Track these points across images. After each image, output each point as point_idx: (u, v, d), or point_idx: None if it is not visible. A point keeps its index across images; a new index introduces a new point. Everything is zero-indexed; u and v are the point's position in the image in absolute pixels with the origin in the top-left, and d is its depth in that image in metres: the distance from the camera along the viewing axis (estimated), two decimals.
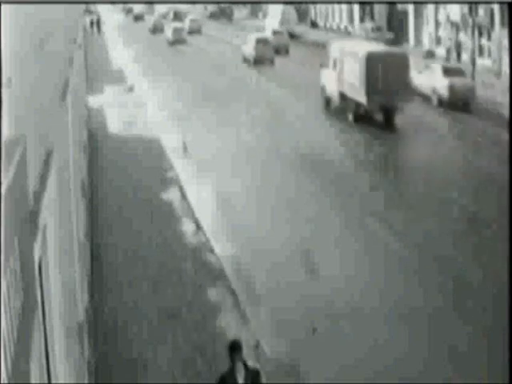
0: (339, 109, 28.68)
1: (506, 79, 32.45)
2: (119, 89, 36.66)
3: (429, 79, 31.99)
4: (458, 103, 30.05)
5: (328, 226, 17.06)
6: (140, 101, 32.95)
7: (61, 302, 6.79)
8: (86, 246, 13.81)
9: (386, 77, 26.21)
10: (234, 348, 8.24)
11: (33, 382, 4.19)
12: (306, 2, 71.96)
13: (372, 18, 59.54)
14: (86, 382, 9.68)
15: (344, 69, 27.95)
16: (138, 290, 13.66)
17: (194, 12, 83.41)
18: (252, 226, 17.31)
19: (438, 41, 47.37)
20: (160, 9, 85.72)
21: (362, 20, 61.42)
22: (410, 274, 14.52)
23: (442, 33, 46.74)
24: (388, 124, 26.90)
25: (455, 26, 44.18)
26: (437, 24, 47.59)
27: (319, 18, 72.02)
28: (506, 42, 36.86)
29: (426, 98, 31.38)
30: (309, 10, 73.50)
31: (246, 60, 43.98)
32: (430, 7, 48.52)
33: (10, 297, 3.67)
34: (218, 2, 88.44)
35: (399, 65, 26.76)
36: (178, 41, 54.39)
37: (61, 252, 7.32)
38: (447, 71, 31.41)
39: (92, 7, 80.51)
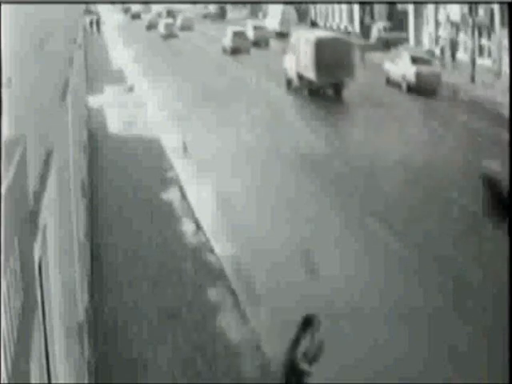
0: (298, 87, 33.99)
1: (506, 79, 32.46)
2: (119, 89, 36.66)
3: (399, 67, 35.12)
4: (425, 89, 32.71)
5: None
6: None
7: (61, 302, 6.79)
8: (86, 246, 13.81)
9: (332, 58, 31.52)
10: (307, 323, 8.78)
11: (33, 382, 4.19)
12: (306, 2, 71.97)
13: (372, 17, 59.55)
14: (86, 382, 9.68)
15: (300, 53, 33.38)
16: (138, 290, 13.66)
17: (193, 11, 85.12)
18: (251, 224, 17.32)
19: (438, 41, 47.36)
20: (157, 8, 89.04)
21: (361, 20, 61.44)
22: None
23: (441, 32, 46.73)
24: (337, 97, 32.77)
25: (455, 26, 44.18)
26: (437, 24, 47.58)
27: (319, 18, 72.03)
28: (505, 42, 36.85)
29: (396, 84, 34.87)
30: (309, 10, 73.50)
31: (225, 50, 50.06)
32: (430, 7, 48.50)
33: (10, 297, 3.67)
34: (218, 2, 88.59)
35: (343, 48, 32.43)
36: (169, 35, 59.67)
37: (61, 252, 7.32)
38: (415, 60, 34.35)
39: (92, 7, 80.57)
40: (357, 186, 19.72)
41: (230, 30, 50.05)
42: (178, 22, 68.06)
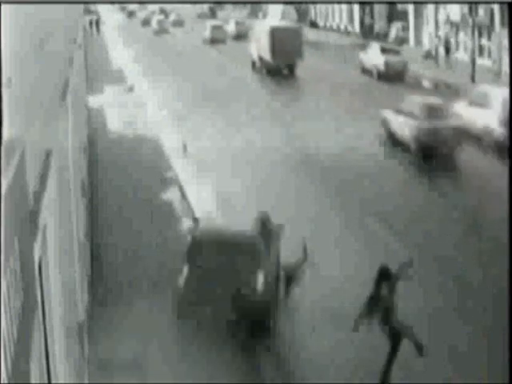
0: (259, 67, 41.45)
1: (506, 79, 32.46)
2: (119, 88, 36.66)
3: (370, 57, 39.78)
4: (393, 76, 37.05)
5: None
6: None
7: (61, 302, 6.79)
8: (86, 246, 13.81)
9: (284, 43, 39.11)
10: (383, 274, 10.21)
11: (33, 381, 4.20)
12: (306, 2, 71.97)
13: (372, 17, 59.56)
14: (86, 382, 9.68)
15: (261, 40, 40.88)
16: (138, 289, 13.67)
17: (192, 11, 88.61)
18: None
19: (439, 40, 47.36)
20: (152, 7, 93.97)
21: (361, 20, 61.45)
22: None
23: (441, 32, 46.76)
24: (290, 74, 40.07)
25: (455, 26, 44.19)
26: (437, 24, 47.58)
27: (319, 18, 72.04)
28: (505, 42, 36.86)
29: (368, 72, 39.42)
30: (309, 10, 73.49)
31: (205, 41, 58.47)
32: (430, 7, 48.51)
33: (10, 297, 3.67)
34: (218, 2, 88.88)
35: (294, 35, 40.19)
36: (161, 30, 67.19)
37: (61, 252, 7.32)
38: (384, 50, 39.28)
39: (92, 7, 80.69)
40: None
41: (209, 24, 59.71)
42: (170, 19, 76.24)
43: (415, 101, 23.89)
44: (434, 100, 25.06)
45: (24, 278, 4.18)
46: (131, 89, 36.80)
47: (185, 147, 24.16)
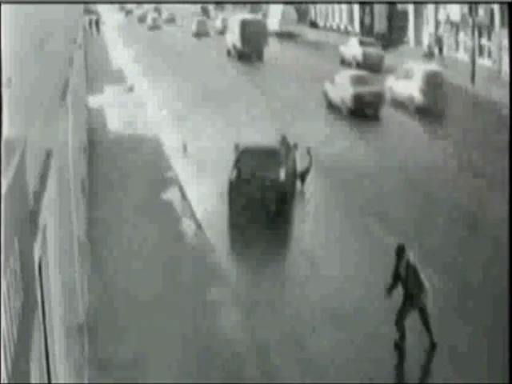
0: (233, 54, 48.17)
1: (506, 79, 32.46)
2: (119, 88, 36.66)
3: (349, 49, 44.15)
4: (370, 66, 39.84)
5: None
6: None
7: (61, 302, 6.79)
8: (86, 246, 13.81)
9: (252, 32, 47.05)
10: (400, 250, 11.50)
11: (33, 381, 4.20)
12: (306, 2, 71.93)
13: (372, 18, 59.54)
14: (86, 382, 9.68)
15: (234, 31, 48.54)
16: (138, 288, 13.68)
17: (189, 10, 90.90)
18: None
19: (438, 41, 47.35)
20: (148, 6, 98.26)
21: (361, 20, 61.43)
22: None
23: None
24: (258, 59, 46.51)
25: (455, 26, 44.19)
26: (437, 24, 47.57)
27: (319, 18, 72.01)
28: (505, 42, 36.85)
29: (348, 63, 43.16)
30: (309, 10, 73.46)
31: (192, 34, 64.89)
32: (430, 7, 48.49)
33: (10, 297, 3.67)
34: (218, 2, 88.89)
35: (260, 26, 48.81)
36: (155, 27, 74.39)
37: (61, 252, 7.32)
38: (362, 43, 43.78)
39: (92, 7, 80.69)
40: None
41: (195, 20, 67.73)
42: (163, 16, 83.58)
43: (345, 73, 30.79)
44: (359, 72, 32.30)
45: (24, 278, 4.18)
46: (131, 89, 36.79)
47: (185, 147, 24.17)
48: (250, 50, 46.93)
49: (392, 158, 22.94)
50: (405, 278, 11.53)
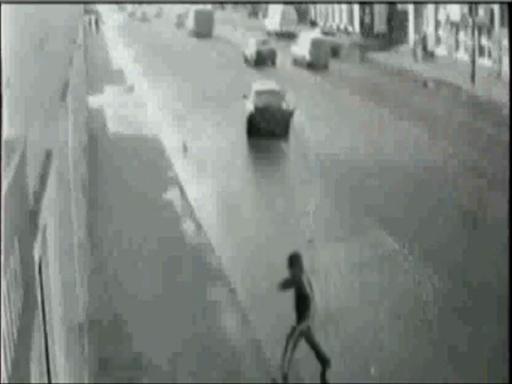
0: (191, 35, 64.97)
1: (506, 79, 32.46)
2: (119, 88, 36.68)
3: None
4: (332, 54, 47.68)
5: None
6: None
7: (61, 302, 6.79)
8: (86, 245, 13.81)
9: (202, 19, 65.40)
10: (293, 260, 10.74)
11: (33, 381, 4.19)
12: (306, 2, 71.91)
13: (372, 18, 59.53)
14: (86, 382, 9.68)
15: (192, 20, 66.31)
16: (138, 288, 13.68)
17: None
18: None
19: (438, 41, 47.38)
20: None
21: (361, 20, 61.42)
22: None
23: (441, 32, 46.79)
24: (207, 36, 63.03)
25: (455, 26, 44.18)
26: (437, 24, 47.56)
27: (319, 18, 71.99)
28: (506, 42, 36.84)
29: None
30: (309, 10, 73.44)
31: (178, 26, 77.54)
32: (430, 7, 48.47)
33: (10, 297, 3.67)
34: (218, 2, 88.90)
35: (208, 16, 66.63)
36: (144, 19, 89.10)
37: (61, 252, 7.32)
38: (324, 33, 52.09)
39: (92, 7, 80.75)
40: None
41: (177, 14, 79.45)
42: (153, 11, 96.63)
43: (252, 40, 47.21)
44: (262, 37, 51.14)
45: (24, 278, 4.18)
46: (131, 88, 36.79)
47: (185, 147, 24.16)
48: (200, 31, 64.53)
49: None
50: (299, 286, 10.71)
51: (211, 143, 25.43)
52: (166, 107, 32.43)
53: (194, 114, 30.44)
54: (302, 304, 10.71)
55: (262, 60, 45.18)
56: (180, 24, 75.71)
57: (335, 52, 48.49)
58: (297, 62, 45.83)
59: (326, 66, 43.95)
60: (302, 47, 45.42)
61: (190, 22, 67.06)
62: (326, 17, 70.43)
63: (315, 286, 13.82)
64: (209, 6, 72.52)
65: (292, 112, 26.22)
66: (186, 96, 34.90)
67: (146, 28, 78.03)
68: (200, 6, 68.60)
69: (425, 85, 37.93)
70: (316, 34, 49.69)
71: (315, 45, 44.40)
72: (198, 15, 65.40)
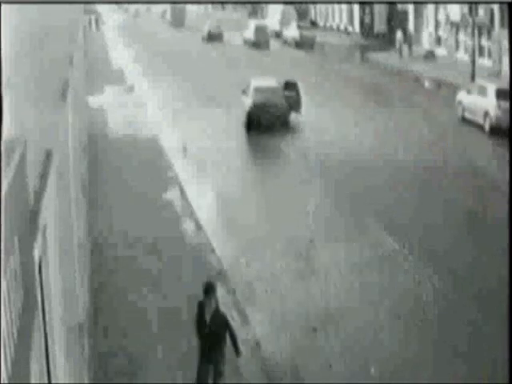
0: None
1: (506, 79, 32.44)
2: (119, 88, 36.69)
3: (289, 32, 59.64)
4: (306, 45, 55.98)
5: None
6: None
7: (61, 302, 6.79)
8: (86, 246, 13.81)
9: (176, 13, 79.15)
10: (208, 290, 9.50)
11: (33, 382, 4.19)
12: (306, 2, 71.94)
13: (372, 18, 59.52)
14: (86, 382, 9.68)
15: (171, 13, 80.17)
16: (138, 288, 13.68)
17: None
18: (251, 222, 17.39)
19: (438, 41, 47.37)
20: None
21: (361, 20, 61.41)
22: None
23: (441, 32, 46.79)
24: (180, 26, 76.29)
25: (455, 26, 44.18)
26: (437, 24, 47.56)
27: (319, 18, 71.99)
28: (505, 42, 36.84)
29: (290, 43, 58.50)
30: (309, 10, 73.45)
31: (161, 18, 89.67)
32: (430, 7, 48.47)
33: (10, 297, 3.67)
34: (218, 2, 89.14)
35: (180, 10, 79.96)
36: (137, 15, 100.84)
37: (61, 252, 7.32)
38: (300, 27, 59.36)
39: (92, 7, 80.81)
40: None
41: (163, 9, 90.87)
42: (144, 7, 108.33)
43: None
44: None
45: (24, 278, 4.18)
46: (131, 88, 36.79)
47: (184, 149, 24.18)
48: (176, 24, 77.64)
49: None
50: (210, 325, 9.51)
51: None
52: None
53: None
54: (215, 346, 9.46)
55: (215, 37, 61.71)
56: (163, 17, 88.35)
57: (310, 45, 56.07)
58: (246, 43, 58.87)
59: (267, 46, 56.93)
60: (249, 31, 58.87)
61: (168, 15, 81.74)
62: (325, 17, 70.41)
63: (315, 287, 13.85)
64: (183, 5, 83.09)
65: (299, 100, 27.57)
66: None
67: (139, 21, 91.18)
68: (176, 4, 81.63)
69: (422, 85, 38.06)
70: (259, 22, 62.36)
71: (258, 30, 57.85)
72: (174, 10, 79.64)
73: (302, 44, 56.21)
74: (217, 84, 37.57)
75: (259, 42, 56.91)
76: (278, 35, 62.03)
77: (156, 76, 41.74)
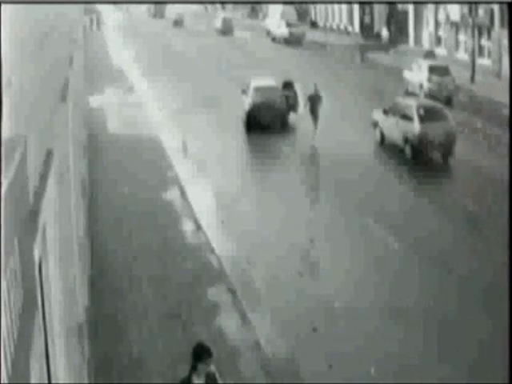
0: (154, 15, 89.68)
1: (506, 79, 32.46)
2: (119, 88, 36.68)
3: (279, 29, 61.20)
4: (294, 41, 58.09)
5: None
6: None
7: (61, 302, 6.79)
8: (86, 246, 13.81)
9: (158, 7, 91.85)
10: (201, 353, 7.49)
11: (33, 382, 4.19)
12: (306, 2, 71.90)
13: (372, 18, 59.52)
14: (86, 381, 9.68)
15: (153, 8, 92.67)
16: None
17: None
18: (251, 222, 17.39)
19: (438, 41, 47.36)
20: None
21: (361, 20, 61.39)
22: None
23: (441, 32, 46.79)
24: (161, 17, 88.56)
25: (455, 26, 44.18)
26: (437, 24, 47.56)
27: (319, 18, 71.97)
28: (505, 42, 36.84)
29: (279, 40, 60.33)
30: (309, 10, 73.43)
31: (148, 12, 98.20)
32: (430, 7, 48.47)
33: (10, 297, 3.67)
34: (218, 2, 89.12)
35: (160, 5, 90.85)
36: (127, 10, 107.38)
37: (61, 252, 7.32)
38: (288, 25, 60.63)
39: (92, 7, 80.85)
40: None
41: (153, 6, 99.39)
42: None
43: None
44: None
45: (24, 278, 4.18)
46: (131, 88, 36.79)
47: (184, 147, 24.18)
48: (157, 15, 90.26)
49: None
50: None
51: None
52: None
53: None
54: None
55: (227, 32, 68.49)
56: (149, 11, 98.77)
57: (298, 41, 59.02)
58: (216, 31, 69.02)
59: (231, 33, 67.20)
60: (217, 22, 70.56)
61: (152, 9, 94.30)
62: (325, 17, 70.41)
63: (315, 287, 13.86)
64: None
65: (296, 100, 27.76)
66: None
67: (130, 14, 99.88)
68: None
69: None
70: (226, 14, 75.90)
71: (224, 21, 69.46)
72: (156, 6, 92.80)
73: (290, 41, 58.48)
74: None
75: (225, 30, 68.51)
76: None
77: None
